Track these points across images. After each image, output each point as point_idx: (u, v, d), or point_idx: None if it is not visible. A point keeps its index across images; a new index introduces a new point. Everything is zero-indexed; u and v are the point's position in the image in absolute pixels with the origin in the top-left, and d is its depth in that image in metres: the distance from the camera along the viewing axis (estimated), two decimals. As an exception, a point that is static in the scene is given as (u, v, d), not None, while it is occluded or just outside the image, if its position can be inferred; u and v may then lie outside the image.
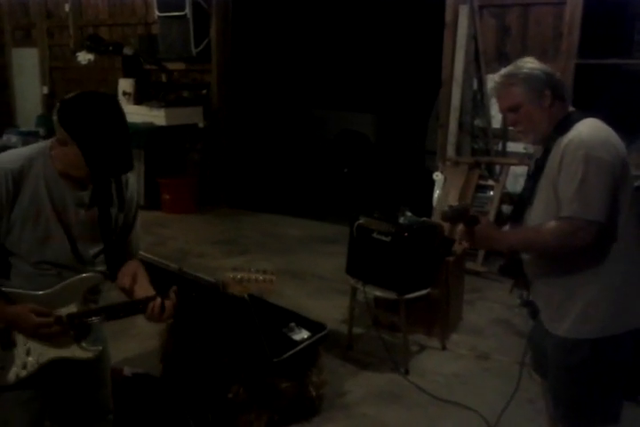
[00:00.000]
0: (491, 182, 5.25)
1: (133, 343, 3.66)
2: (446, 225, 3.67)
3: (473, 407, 3.14)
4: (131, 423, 2.70)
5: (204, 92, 7.10)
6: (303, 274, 5.04)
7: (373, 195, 7.35)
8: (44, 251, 1.91)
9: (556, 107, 2.04)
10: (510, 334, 4.02)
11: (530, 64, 2.07)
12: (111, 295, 2.14)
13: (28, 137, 7.50)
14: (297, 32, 8.88)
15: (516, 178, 5.17)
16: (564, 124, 2.01)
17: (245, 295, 2.77)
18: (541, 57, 2.14)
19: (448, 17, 5.40)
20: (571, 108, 2.09)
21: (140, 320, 3.50)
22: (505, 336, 4.00)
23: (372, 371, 3.57)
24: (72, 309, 1.93)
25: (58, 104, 1.85)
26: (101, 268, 2.03)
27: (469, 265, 4.76)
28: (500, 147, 5.45)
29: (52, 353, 1.93)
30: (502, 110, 2.13)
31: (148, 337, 3.57)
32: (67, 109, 1.83)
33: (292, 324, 3.17)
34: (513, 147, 5.34)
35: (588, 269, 1.99)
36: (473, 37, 5.33)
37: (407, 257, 3.43)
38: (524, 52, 5.01)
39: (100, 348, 2.01)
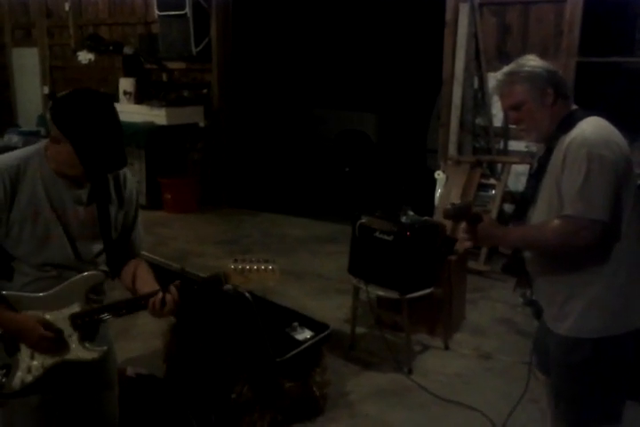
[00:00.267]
0: (492, 181, 5.25)
1: (137, 344, 3.66)
2: (449, 223, 3.68)
3: (476, 407, 3.14)
4: (134, 424, 2.70)
5: (205, 91, 7.10)
6: (305, 274, 5.04)
7: (375, 194, 7.35)
8: (43, 251, 1.90)
9: (558, 105, 2.04)
10: (513, 333, 4.02)
11: (532, 62, 2.06)
12: (114, 295, 2.13)
13: (29, 137, 7.49)
14: (298, 31, 8.87)
15: (517, 176, 5.17)
16: (568, 123, 2.00)
17: (246, 293, 2.78)
18: (542, 55, 2.13)
19: (448, 15, 5.39)
20: (574, 107, 2.08)
21: (142, 320, 3.53)
22: (508, 336, 3.99)
23: (375, 371, 3.57)
24: (75, 309, 1.91)
25: (51, 102, 1.84)
26: (103, 267, 2.03)
27: (472, 264, 4.75)
28: (501, 145, 5.45)
29: (57, 356, 1.92)
30: (504, 108, 2.13)
31: (151, 338, 3.57)
32: (59, 107, 1.83)
33: (295, 324, 3.17)
34: (514, 145, 5.33)
35: (590, 268, 1.99)
36: (473, 36, 5.33)
37: (409, 256, 3.42)
38: (525, 50, 5.00)
39: (105, 348, 1.99)
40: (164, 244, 5.75)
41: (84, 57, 7.79)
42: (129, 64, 7.33)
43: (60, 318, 1.91)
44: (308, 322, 3.24)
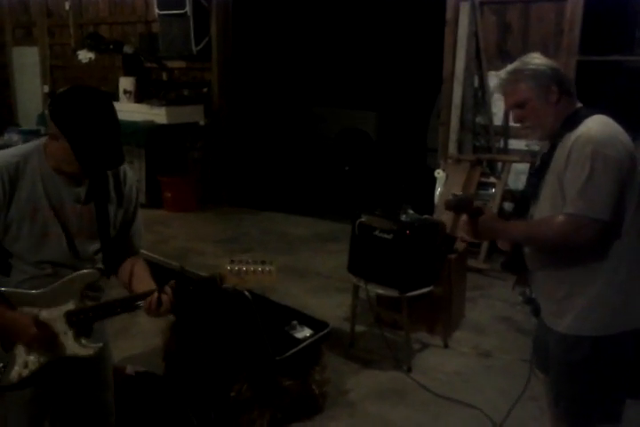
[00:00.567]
0: (492, 180, 5.25)
1: (136, 342, 3.66)
2: (448, 218, 3.68)
3: (475, 405, 3.14)
4: (134, 422, 2.70)
5: (205, 90, 7.10)
6: (305, 272, 5.04)
7: (375, 193, 7.35)
8: (41, 249, 1.91)
9: (562, 103, 2.03)
10: (513, 331, 4.02)
11: (536, 60, 2.05)
12: (113, 293, 2.13)
13: (30, 136, 7.48)
14: (298, 30, 8.86)
15: (517, 175, 5.17)
16: (573, 120, 1.99)
17: (246, 292, 2.78)
18: (543, 54, 2.12)
19: (449, 14, 5.39)
20: (578, 104, 2.08)
21: (142, 319, 3.53)
22: (507, 334, 3.99)
23: (375, 369, 3.57)
24: (70, 306, 1.91)
25: (49, 99, 1.85)
26: (101, 265, 2.02)
27: (472, 262, 4.75)
28: (501, 144, 5.45)
29: (53, 352, 1.92)
30: (508, 106, 2.11)
31: (150, 336, 3.57)
32: (57, 104, 1.83)
33: (295, 322, 3.18)
34: (514, 144, 5.33)
35: (591, 265, 1.98)
36: (474, 35, 5.32)
37: (409, 255, 3.42)
38: (525, 49, 5.01)
39: (101, 344, 1.99)
40: (163, 242, 5.75)
41: (85, 56, 7.79)
42: (129, 63, 7.34)
43: (55, 315, 1.91)
44: (307, 320, 3.24)
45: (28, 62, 9.00)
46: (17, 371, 1.90)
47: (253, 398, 2.87)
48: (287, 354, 2.91)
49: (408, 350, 3.61)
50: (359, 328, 3.90)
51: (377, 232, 3.50)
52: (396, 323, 3.85)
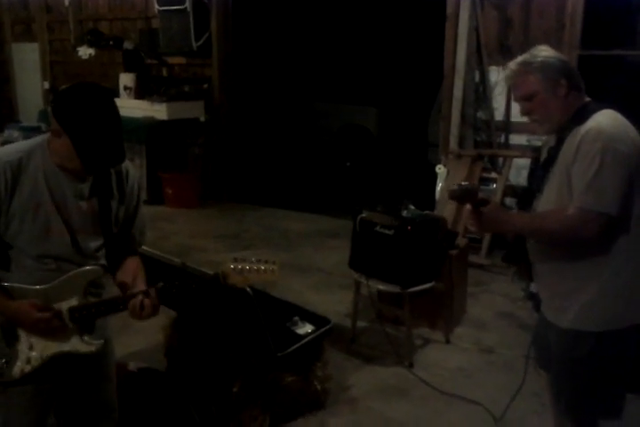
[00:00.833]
0: (494, 175, 5.24)
1: (138, 338, 3.66)
2: (449, 211, 3.68)
3: (477, 401, 3.14)
4: (136, 418, 2.71)
5: (205, 86, 7.09)
6: (306, 268, 5.04)
7: (376, 188, 7.34)
8: (44, 244, 1.91)
9: (571, 96, 2.01)
10: (514, 327, 4.02)
11: (545, 52, 2.04)
12: (113, 291, 2.13)
13: (30, 132, 7.47)
14: (298, 25, 8.84)
15: (518, 170, 5.16)
16: (582, 114, 1.98)
17: (247, 288, 2.77)
18: (546, 48, 2.11)
19: (449, 9, 5.37)
20: (587, 99, 2.06)
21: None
22: (509, 329, 3.99)
23: (377, 365, 3.57)
24: (73, 302, 1.92)
25: (50, 95, 1.85)
26: (103, 261, 2.03)
27: (473, 258, 4.75)
28: (502, 139, 5.44)
29: (55, 347, 1.93)
30: (517, 99, 2.09)
31: (152, 332, 3.57)
32: (59, 101, 1.84)
33: (296, 318, 3.17)
34: (516, 139, 5.32)
35: (596, 261, 1.97)
36: (475, 29, 5.31)
37: (410, 251, 3.42)
38: (526, 43, 4.99)
39: (102, 341, 2.00)
40: (165, 238, 5.75)
41: (85, 52, 7.78)
42: (129, 59, 7.32)
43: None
44: (309, 316, 3.24)
45: (27, 58, 9.00)
46: (19, 367, 1.91)
47: (255, 395, 2.87)
48: (289, 350, 2.90)
49: (410, 345, 3.61)
50: (361, 324, 3.90)
51: (378, 228, 3.49)
52: (397, 319, 3.85)
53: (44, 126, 7.72)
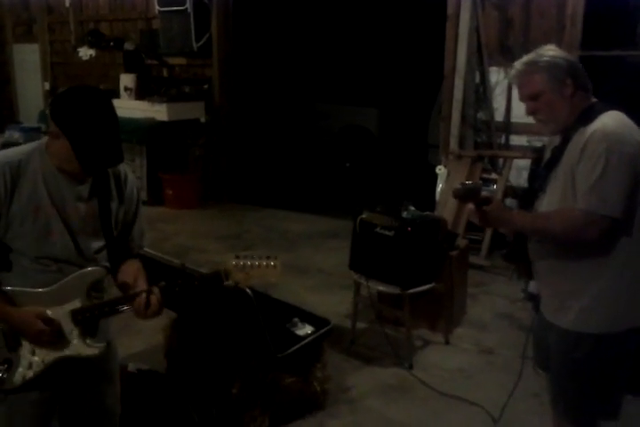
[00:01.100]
0: (494, 176, 5.23)
1: (138, 339, 3.67)
2: (451, 211, 3.67)
3: (477, 402, 3.13)
4: (136, 419, 2.71)
5: (206, 86, 7.09)
6: (307, 269, 5.04)
7: (376, 189, 7.34)
8: (44, 246, 1.91)
9: (577, 96, 2.00)
10: (514, 328, 4.01)
11: (551, 52, 2.03)
12: (114, 292, 2.13)
13: (31, 133, 7.49)
14: (299, 26, 8.84)
15: (519, 171, 5.16)
16: (588, 115, 1.97)
17: (247, 289, 2.77)
18: (544, 49, 2.10)
19: (450, 9, 5.37)
20: (593, 99, 2.06)
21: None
22: (509, 330, 3.99)
23: (376, 366, 3.57)
24: (76, 304, 1.92)
25: (50, 98, 1.87)
26: (105, 263, 2.03)
27: (473, 259, 4.75)
28: (502, 140, 5.43)
29: (57, 352, 1.92)
30: (522, 98, 2.07)
31: (152, 333, 3.57)
32: (57, 103, 1.86)
33: (296, 319, 3.17)
34: (516, 140, 5.32)
35: (598, 262, 1.97)
36: (475, 30, 5.31)
37: (410, 252, 3.42)
38: (527, 44, 4.99)
39: (105, 344, 2.00)
40: (165, 239, 5.75)
41: (85, 53, 7.80)
42: (130, 60, 7.33)
43: (60, 313, 1.91)
44: (308, 317, 3.24)
45: (28, 59, 9.01)
46: (21, 373, 1.90)
47: (255, 396, 2.87)
48: (288, 351, 2.90)
49: (409, 346, 3.61)
50: (360, 325, 3.90)
51: (378, 229, 3.49)
52: (397, 320, 3.85)
53: (44, 127, 7.73)
